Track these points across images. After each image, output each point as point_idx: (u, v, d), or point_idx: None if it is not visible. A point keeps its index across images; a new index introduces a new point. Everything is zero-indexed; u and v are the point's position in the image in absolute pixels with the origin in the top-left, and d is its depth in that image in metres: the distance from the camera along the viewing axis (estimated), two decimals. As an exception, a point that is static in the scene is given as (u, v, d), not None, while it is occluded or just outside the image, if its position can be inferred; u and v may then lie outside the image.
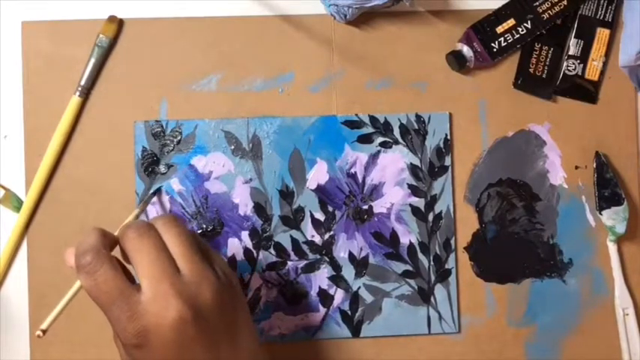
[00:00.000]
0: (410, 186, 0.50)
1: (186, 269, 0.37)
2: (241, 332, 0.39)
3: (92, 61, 0.48)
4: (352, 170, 0.49)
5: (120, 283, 0.36)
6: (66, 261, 0.39)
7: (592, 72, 0.52)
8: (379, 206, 0.50)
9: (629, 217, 0.50)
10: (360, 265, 0.49)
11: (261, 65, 0.50)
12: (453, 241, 0.50)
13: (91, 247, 0.37)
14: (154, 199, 0.48)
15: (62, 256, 0.39)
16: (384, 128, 0.50)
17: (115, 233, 0.39)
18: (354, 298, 0.49)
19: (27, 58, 0.49)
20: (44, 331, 0.37)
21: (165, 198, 0.48)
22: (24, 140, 0.48)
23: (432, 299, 0.49)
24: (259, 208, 0.49)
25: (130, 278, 0.38)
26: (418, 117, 0.50)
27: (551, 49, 0.51)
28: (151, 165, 0.48)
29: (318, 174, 0.49)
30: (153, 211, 0.48)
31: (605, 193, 0.50)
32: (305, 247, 0.49)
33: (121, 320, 0.36)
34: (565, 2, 0.50)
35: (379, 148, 0.50)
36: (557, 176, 0.51)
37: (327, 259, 0.49)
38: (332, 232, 0.49)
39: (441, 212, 0.50)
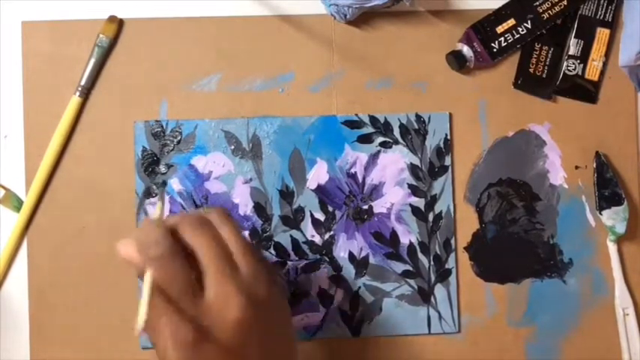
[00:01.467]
0: (410, 186, 0.50)
1: (244, 265, 0.37)
2: (290, 327, 0.40)
3: (92, 61, 0.48)
4: (352, 170, 0.49)
5: (189, 279, 0.35)
6: (119, 252, 0.36)
7: (592, 72, 0.52)
8: (379, 206, 0.50)
9: (629, 217, 0.50)
10: (360, 265, 0.49)
11: (261, 65, 0.50)
12: (453, 241, 0.50)
13: (162, 239, 0.36)
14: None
15: (115, 247, 0.36)
16: (384, 128, 0.50)
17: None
18: (354, 298, 0.49)
19: (27, 58, 0.49)
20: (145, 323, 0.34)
21: (165, 198, 0.48)
22: (24, 140, 0.48)
23: (432, 299, 0.49)
24: (259, 208, 0.49)
25: None
26: (418, 117, 0.50)
27: (551, 49, 0.51)
28: (151, 165, 0.48)
29: (318, 174, 0.49)
30: (151, 209, 0.48)
31: (605, 193, 0.50)
32: (305, 247, 0.49)
33: (184, 316, 0.34)
34: (565, 2, 0.50)
35: (379, 148, 0.50)
36: (557, 176, 0.51)
37: (327, 259, 0.49)
38: (332, 232, 0.49)
39: (441, 212, 0.50)
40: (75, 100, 0.48)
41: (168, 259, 0.35)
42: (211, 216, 0.38)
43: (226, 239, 0.37)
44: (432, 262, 0.50)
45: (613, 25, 0.52)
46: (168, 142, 0.49)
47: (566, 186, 0.51)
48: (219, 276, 0.36)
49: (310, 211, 0.49)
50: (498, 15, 0.50)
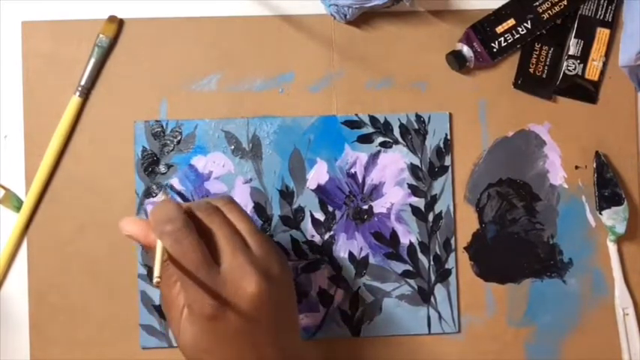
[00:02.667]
0: (410, 186, 0.50)
1: (254, 245, 0.38)
2: (295, 302, 0.41)
3: (92, 61, 0.48)
4: (352, 170, 0.49)
5: (205, 252, 0.36)
6: (123, 229, 0.39)
7: (592, 72, 0.52)
8: (379, 206, 0.50)
9: (629, 217, 0.50)
10: (360, 265, 0.49)
11: (261, 65, 0.50)
12: (453, 241, 0.50)
13: (178, 215, 0.37)
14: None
15: (120, 224, 0.39)
16: (384, 128, 0.50)
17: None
18: (354, 298, 0.49)
19: (27, 58, 0.49)
20: (160, 277, 0.35)
21: (169, 194, 0.48)
22: (24, 140, 0.48)
23: (432, 299, 0.49)
24: (259, 208, 0.49)
25: None
26: (418, 117, 0.50)
27: (551, 49, 0.51)
28: (151, 165, 0.48)
29: (318, 174, 0.49)
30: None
31: (605, 193, 0.50)
32: (305, 247, 0.49)
33: (201, 290, 0.36)
34: (565, 2, 0.50)
35: (379, 148, 0.50)
36: (557, 176, 0.51)
37: (327, 259, 0.49)
38: (332, 232, 0.49)
39: (441, 212, 0.50)
40: (75, 100, 0.48)
41: (184, 232, 0.36)
42: (218, 203, 0.40)
43: (236, 223, 0.39)
44: (432, 262, 0.50)
45: (613, 25, 0.52)
46: (168, 142, 0.49)
47: (566, 186, 0.51)
48: (234, 251, 0.37)
49: (310, 211, 0.49)
50: (498, 15, 0.50)
